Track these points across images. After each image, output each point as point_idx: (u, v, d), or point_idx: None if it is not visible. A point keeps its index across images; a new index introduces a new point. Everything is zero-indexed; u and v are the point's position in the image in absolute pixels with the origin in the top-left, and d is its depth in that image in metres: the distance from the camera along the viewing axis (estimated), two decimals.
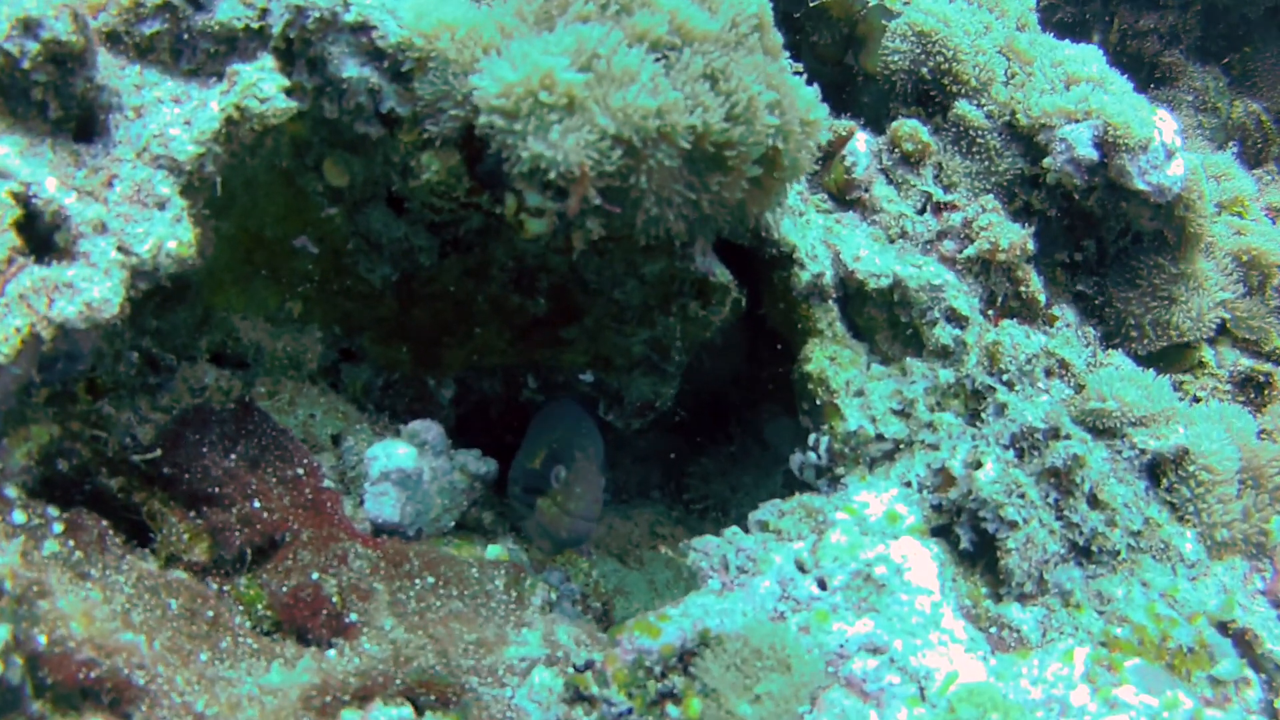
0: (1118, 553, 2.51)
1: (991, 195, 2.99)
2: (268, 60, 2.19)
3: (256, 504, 2.31)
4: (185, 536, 2.28)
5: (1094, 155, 2.87)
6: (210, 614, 2.08)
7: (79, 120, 2.13)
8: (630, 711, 2.07)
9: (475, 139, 2.23)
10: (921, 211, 2.99)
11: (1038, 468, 2.54)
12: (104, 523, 2.05)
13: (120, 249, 2.05)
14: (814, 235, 2.81)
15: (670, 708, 2.10)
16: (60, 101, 2.07)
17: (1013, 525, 2.45)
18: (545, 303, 2.74)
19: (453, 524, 2.60)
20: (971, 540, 2.51)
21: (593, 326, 2.80)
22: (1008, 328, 2.83)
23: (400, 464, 2.44)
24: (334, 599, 2.22)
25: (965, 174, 3.02)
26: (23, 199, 1.94)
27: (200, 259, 2.16)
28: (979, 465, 2.54)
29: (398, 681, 2.04)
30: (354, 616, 2.19)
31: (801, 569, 2.36)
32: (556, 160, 2.03)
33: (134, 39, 2.21)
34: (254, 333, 2.59)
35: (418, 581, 2.29)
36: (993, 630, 2.41)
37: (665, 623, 2.17)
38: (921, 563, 2.43)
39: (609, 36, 2.13)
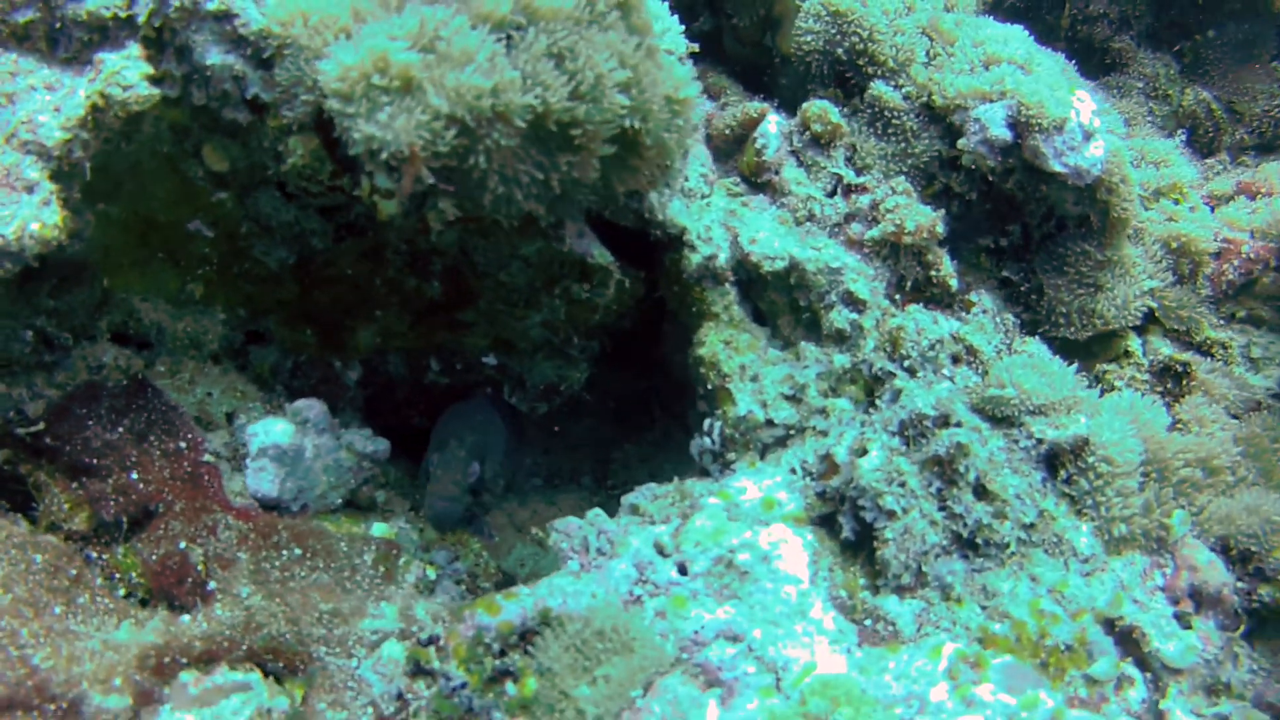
0: (1007, 545, 2.41)
1: (904, 177, 2.90)
2: (134, 49, 2.25)
3: (134, 475, 2.38)
4: (66, 506, 2.37)
5: (1007, 136, 2.76)
6: (73, 571, 2.16)
7: None
8: (465, 686, 2.08)
9: (331, 124, 2.26)
10: (832, 194, 2.92)
11: (923, 456, 2.46)
12: None
13: None
14: (712, 217, 2.76)
15: (509, 686, 2.11)
16: None
17: (891, 515, 2.38)
18: (440, 285, 2.76)
19: (340, 501, 2.64)
20: (854, 529, 2.45)
21: (487, 309, 2.81)
22: (913, 312, 2.75)
23: (276, 440, 2.49)
24: (199, 567, 2.29)
25: (880, 156, 2.94)
26: None
27: (70, 240, 2.24)
28: (864, 452, 2.48)
29: (244, 647, 2.09)
30: (213, 584, 2.25)
31: (661, 552, 2.33)
32: (387, 140, 2.05)
33: (9, 27, 2.29)
34: (155, 314, 2.67)
35: (284, 553, 2.34)
36: (867, 623, 2.34)
37: (510, 601, 2.17)
38: (793, 551, 2.38)
39: (454, 18, 2.14)
